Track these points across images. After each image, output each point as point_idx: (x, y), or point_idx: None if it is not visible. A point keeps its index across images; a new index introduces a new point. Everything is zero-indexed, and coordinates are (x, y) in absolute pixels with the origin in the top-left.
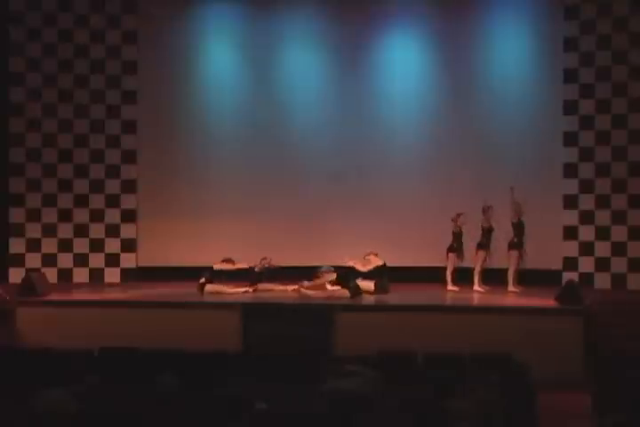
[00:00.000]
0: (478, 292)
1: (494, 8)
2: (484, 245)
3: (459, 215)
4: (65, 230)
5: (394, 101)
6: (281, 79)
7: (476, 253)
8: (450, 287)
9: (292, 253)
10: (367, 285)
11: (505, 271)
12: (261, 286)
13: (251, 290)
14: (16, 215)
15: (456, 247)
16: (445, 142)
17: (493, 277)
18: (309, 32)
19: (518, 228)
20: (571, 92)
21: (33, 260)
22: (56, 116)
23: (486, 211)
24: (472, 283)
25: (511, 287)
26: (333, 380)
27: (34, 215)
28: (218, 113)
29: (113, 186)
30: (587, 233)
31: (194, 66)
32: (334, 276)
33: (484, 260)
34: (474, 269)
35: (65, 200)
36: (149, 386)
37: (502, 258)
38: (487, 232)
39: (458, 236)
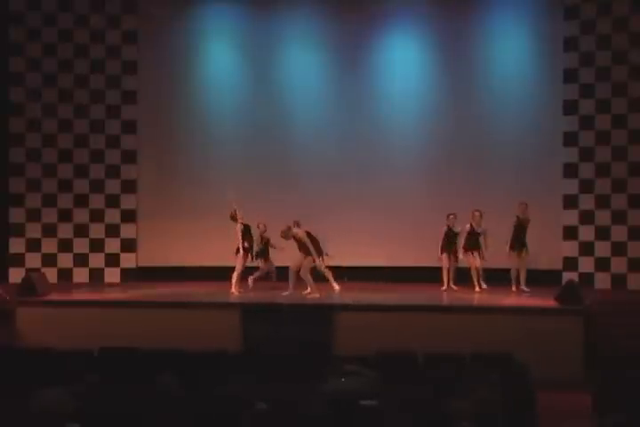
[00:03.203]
0: (476, 291)
1: (494, 8)
2: (473, 245)
3: (448, 216)
4: (65, 230)
5: (394, 101)
6: (281, 79)
7: (465, 254)
8: (445, 287)
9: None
10: None
11: (507, 271)
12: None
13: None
14: (16, 215)
15: (446, 247)
16: (445, 142)
17: (494, 278)
18: (309, 32)
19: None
20: (571, 92)
21: (33, 260)
22: (56, 116)
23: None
24: (472, 283)
25: (523, 287)
26: (333, 380)
27: (34, 215)
28: (218, 113)
29: (113, 186)
30: (587, 233)
31: (194, 66)
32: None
33: (475, 259)
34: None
35: (65, 200)
36: (149, 386)
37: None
38: (474, 233)
39: (448, 236)
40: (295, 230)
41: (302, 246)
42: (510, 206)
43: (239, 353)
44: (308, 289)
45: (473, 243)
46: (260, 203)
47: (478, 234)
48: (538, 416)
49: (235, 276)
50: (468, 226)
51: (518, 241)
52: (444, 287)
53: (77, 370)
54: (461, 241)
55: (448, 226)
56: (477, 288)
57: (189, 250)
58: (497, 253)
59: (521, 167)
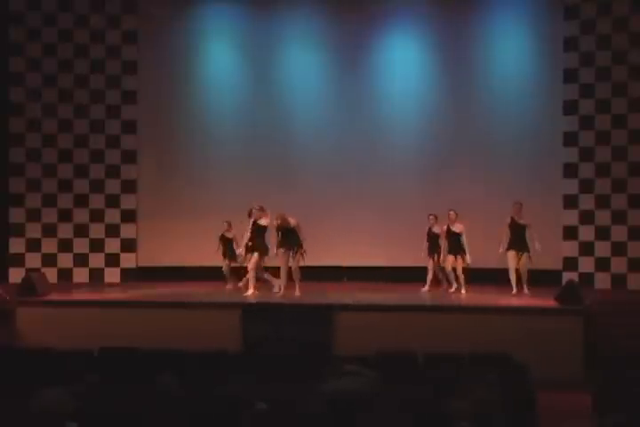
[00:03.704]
0: (460, 292)
1: (494, 8)
2: (454, 247)
3: (428, 216)
4: (65, 230)
5: (394, 101)
6: (281, 79)
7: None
8: (445, 286)
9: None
10: None
11: (505, 271)
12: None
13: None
14: (16, 215)
15: (430, 248)
16: (445, 142)
17: (493, 278)
18: (309, 32)
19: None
20: (571, 92)
21: (33, 260)
22: (56, 116)
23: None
24: (475, 283)
25: (525, 291)
26: (333, 380)
27: (34, 215)
28: (218, 113)
29: (113, 186)
30: (587, 233)
31: (194, 66)
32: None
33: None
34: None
35: (65, 200)
36: (149, 386)
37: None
38: (453, 234)
39: (430, 236)
40: (290, 219)
41: (291, 237)
42: (510, 206)
43: (239, 353)
44: (297, 289)
45: (454, 244)
46: (259, 203)
47: (458, 234)
48: (538, 416)
49: (251, 276)
50: (445, 227)
51: (515, 243)
52: (449, 288)
53: (77, 370)
54: (443, 243)
55: (429, 227)
56: (462, 290)
57: (189, 250)
58: (494, 253)
59: (521, 167)
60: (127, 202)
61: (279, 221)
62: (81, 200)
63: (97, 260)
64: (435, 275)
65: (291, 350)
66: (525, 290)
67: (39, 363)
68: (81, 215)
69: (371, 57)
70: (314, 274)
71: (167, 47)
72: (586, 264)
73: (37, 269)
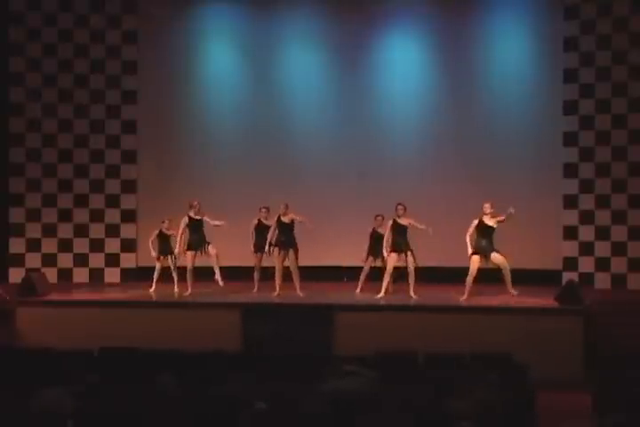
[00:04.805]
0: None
1: (494, 8)
2: (400, 244)
3: (376, 217)
4: (65, 230)
5: (394, 101)
6: (281, 79)
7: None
8: (358, 290)
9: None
10: None
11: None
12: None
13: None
14: (16, 215)
15: (372, 250)
16: (446, 142)
17: (494, 278)
18: (309, 32)
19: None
20: (571, 92)
21: (33, 260)
22: (56, 116)
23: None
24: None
25: (512, 291)
26: (333, 380)
27: (34, 215)
28: (218, 113)
29: (113, 186)
30: (587, 233)
31: (194, 66)
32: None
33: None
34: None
35: (65, 200)
36: (149, 386)
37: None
38: (400, 227)
39: (373, 237)
40: (289, 215)
41: (285, 235)
42: (510, 207)
43: (239, 353)
44: (297, 289)
45: (399, 240)
46: (259, 203)
47: (405, 228)
48: (538, 416)
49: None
50: (391, 221)
51: (480, 246)
52: (380, 295)
53: (77, 370)
54: (386, 239)
55: (374, 228)
56: (411, 292)
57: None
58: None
59: (521, 167)
60: (127, 202)
61: (281, 211)
62: (81, 200)
63: (97, 260)
64: (367, 276)
65: (291, 350)
66: (512, 291)
67: (39, 363)
68: (81, 215)
69: (371, 57)
70: (314, 274)
71: (167, 47)
72: (586, 264)
73: (37, 269)
